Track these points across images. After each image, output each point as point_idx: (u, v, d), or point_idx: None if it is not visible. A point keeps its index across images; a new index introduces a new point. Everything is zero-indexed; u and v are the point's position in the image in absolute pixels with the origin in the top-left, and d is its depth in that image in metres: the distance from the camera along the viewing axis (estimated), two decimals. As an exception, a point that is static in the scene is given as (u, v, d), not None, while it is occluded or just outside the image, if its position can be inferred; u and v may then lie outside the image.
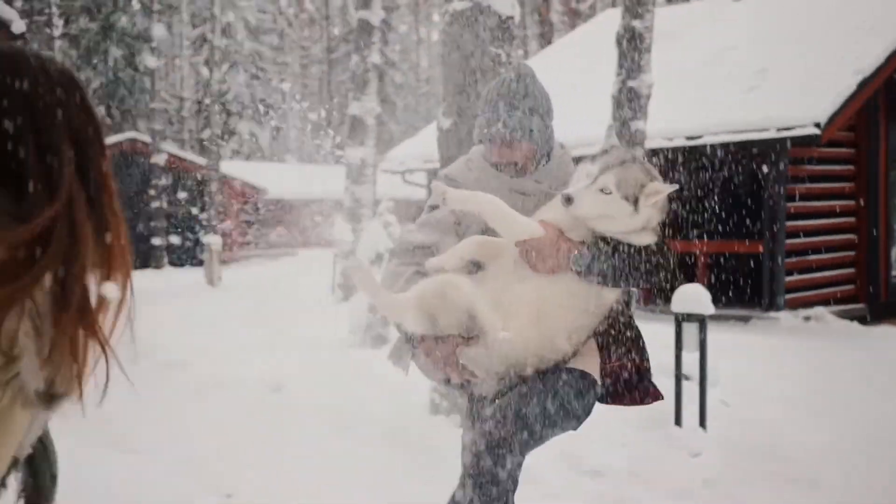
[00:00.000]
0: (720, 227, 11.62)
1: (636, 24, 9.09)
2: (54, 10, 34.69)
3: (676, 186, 2.34)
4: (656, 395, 2.59)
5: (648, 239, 2.39)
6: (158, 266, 24.30)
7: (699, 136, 11.22)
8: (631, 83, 9.19)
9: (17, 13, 11.06)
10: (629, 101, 9.20)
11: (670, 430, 5.13)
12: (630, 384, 2.53)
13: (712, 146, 11.27)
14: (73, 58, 37.66)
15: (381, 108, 12.41)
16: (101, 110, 36.61)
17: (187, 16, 27.77)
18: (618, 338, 2.49)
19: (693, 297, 5.20)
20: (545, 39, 29.44)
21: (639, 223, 2.34)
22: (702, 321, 5.18)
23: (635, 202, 2.30)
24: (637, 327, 2.59)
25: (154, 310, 12.46)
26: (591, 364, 2.47)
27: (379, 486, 4.92)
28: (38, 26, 36.87)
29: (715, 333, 9.10)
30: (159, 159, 23.97)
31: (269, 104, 42.99)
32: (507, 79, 2.58)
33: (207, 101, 22.84)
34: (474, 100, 5.60)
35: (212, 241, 18.29)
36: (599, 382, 2.48)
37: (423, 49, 50.07)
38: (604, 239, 2.35)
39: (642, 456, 4.88)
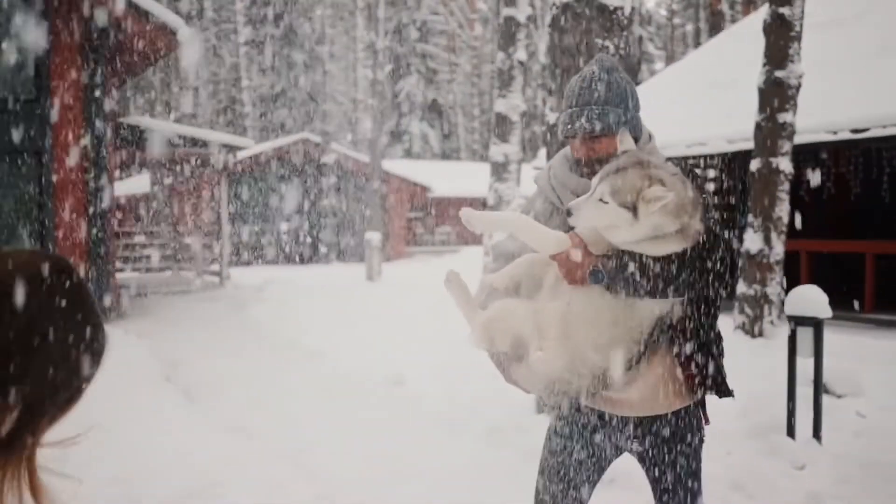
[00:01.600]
0: (890, 226, 10.77)
1: (784, 10, 8.59)
2: (240, 18, 36.75)
3: (671, 195, 2.11)
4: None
5: (670, 247, 2.20)
6: (327, 261, 25.34)
7: (865, 130, 10.43)
8: (778, 74, 8.69)
9: (183, 21, 11.79)
10: (776, 93, 8.71)
11: (779, 441, 4.82)
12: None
13: (883, 139, 10.46)
14: (260, 63, 39.99)
15: (525, 105, 12.34)
16: (283, 113, 38.63)
17: (362, 20, 28.64)
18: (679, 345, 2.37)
19: (808, 299, 4.85)
20: (716, 31, 28.30)
21: (642, 231, 2.18)
22: (817, 325, 4.83)
23: (634, 210, 2.16)
24: (704, 333, 2.41)
25: (310, 303, 13.03)
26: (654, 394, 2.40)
27: (478, 484, 4.91)
28: (224, 33, 39.33)
29: (869, 339, 8.54)
30: (329, 159, 24.96)
31: (440, 105, 43.84)
32: (586, 73, 2.46)
33: (372, 101, 23.46)
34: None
35: (372, 237, 18.85)
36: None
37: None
38: (623, 251, 2.24)
39: (743, 465, 4.61)
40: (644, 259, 2.19)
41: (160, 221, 21.47)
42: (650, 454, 2.47)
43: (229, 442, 5.37)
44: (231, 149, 16.00)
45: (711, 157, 13.44)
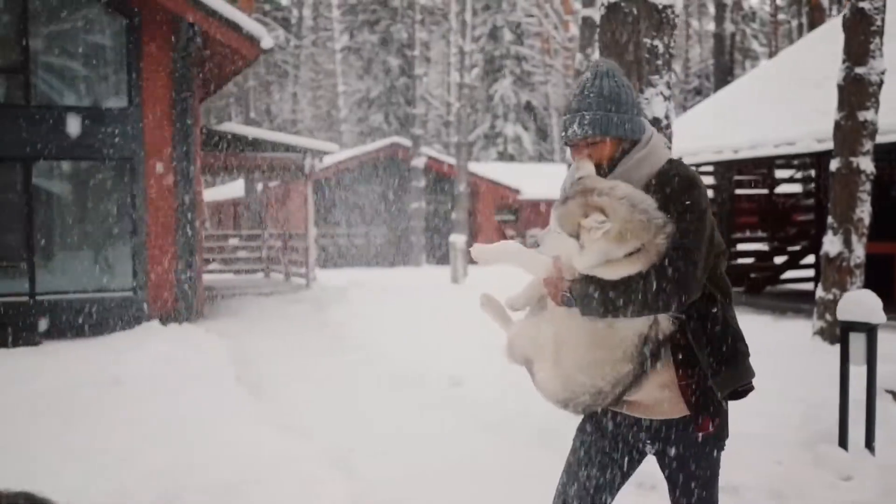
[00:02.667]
0: None
1: (864, 4, 8.26)
2: (336, 24, 37.48)
3: (603, 219, 2.17)
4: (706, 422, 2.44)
5: (625, 270, 2.22)
6: (417, 263, 25.59)
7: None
8: (858, 70, 8.36)
9: (265, 30, 12.12)
10: (856, 90, 8.37)
11: (829, 451, 4.64)
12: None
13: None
14: (356, 69, 40.72)
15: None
16: (379, 118, 39.21)
17: (457, 24, 28.80)
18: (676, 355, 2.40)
19: (861, 304, 4.65)
20: (817, 27, 27.26)
21: (590, 259, 2.22)
22: (870, 331, 4.63)
23: (579, 238, 2.22)
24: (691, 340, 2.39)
25: (390, 305, 13.18)
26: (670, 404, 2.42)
27: (524, 484, 4.91)
28: (322, 41, 40.18)
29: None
30: (419, 162, 25.21)
31: (534, 106, 43.66)
32: (581, 80, 2.51)
33: (457, 104, 23.57)
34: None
35: (456, 240, 18.94)
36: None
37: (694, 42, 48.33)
38: (585, 275, 2.29)
39: (788, 475, 4.46)
40: (603, 282, 2.24)
41: (253, 225, 22.10)
42: (665, 458, 2.49)
43: (279, 439, 5.51)
44: (317, 153, 16.35)
45: (800, 156, 13.01)
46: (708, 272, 2.33)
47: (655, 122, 5.42)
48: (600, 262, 2.22)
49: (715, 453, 2.47)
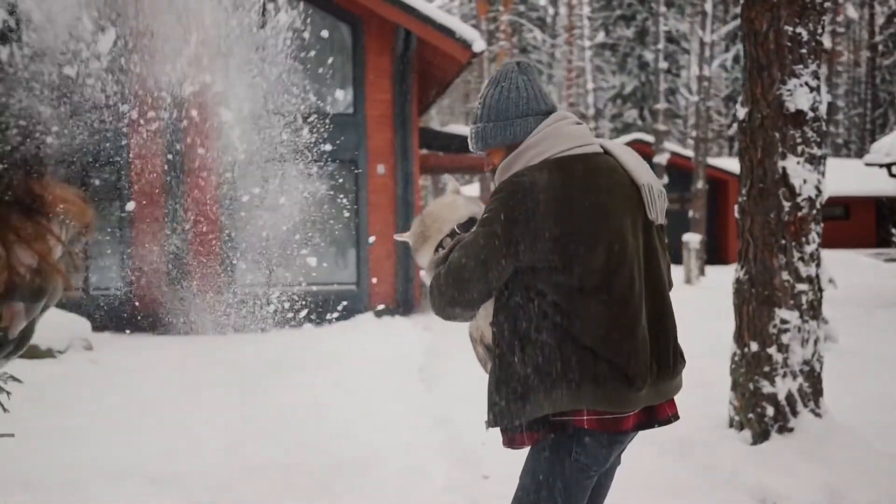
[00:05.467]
0: None
1: None
2: (586, 21, 37.35)
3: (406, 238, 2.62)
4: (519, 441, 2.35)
5: (427, 277, 2.47)
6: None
7: None
8: None
9: (479, 34, 12.45)
10: None
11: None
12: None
13: None
14: (611, 64, 40.40)
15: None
16: (633, 113, 38.63)
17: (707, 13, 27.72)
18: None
19: None
20: None
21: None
22: None
23: None
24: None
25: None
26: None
27: (651, 496, 4.80)
28: (574, 38, 40.23)
29: None
30: (661, 159, 24.51)
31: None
32: (486, 84, 2.50)
33: (695, 97, 22.67)
34: (768, 85, 5.07)
35: (690, 239, 18.29)
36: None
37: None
38: None
39: None
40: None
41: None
42: None
43: (427, 432, 5.75)
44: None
45: None
46: (485, 285, 2.26)
47: (799, 114, 5.02)
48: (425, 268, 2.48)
49: (541, 458, 2.33)
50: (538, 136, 2.33)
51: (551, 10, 43.00)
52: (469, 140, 2.48)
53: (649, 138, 25.66)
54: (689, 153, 26.46)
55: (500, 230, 2.20)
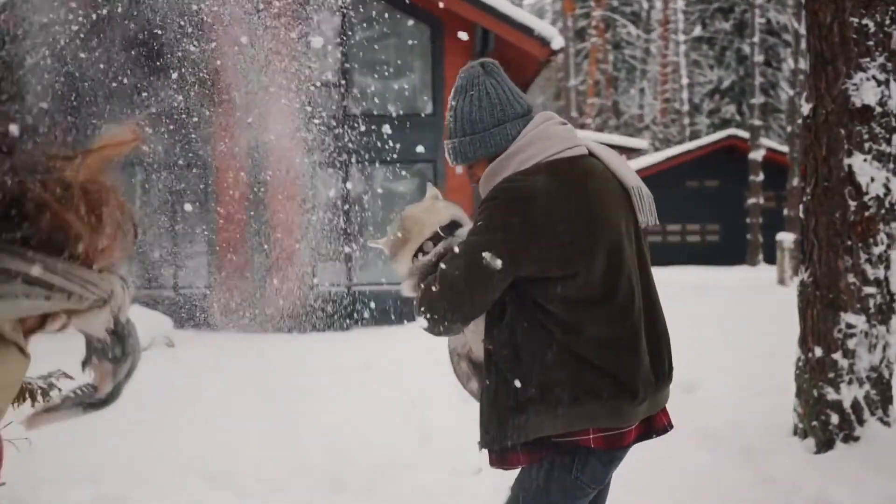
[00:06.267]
0: None
1: None
2: (680, 16, 36.56)
3: (380, 245, 2.46)
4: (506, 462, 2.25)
5: (407, 287, 2.38)
6: (753, 263, 24.24)
7: None
8: None
9: (557, 31, 12.37)
10: None
11: None
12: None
13: None
14: (709, 57, 39.46)
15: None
16: (731, 109, 37.65)
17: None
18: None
19: None
20: None
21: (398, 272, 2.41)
22: None
23: None
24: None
25: (694, 307, 12.67)
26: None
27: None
28: (669, 33, 39.40)
29: None
30: (757, 155, 23.83)
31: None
32: (453, 93, 2.36)
33: (790, 91, 21.90)
34: (833, 80, 4.86)
35: (784, 238, 17.71)
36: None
37: None
38: None
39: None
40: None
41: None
42: None
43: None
44: (626, 151, 16.24)
45: None
46: (483, 298, 2.13)
47: (866, 109, 4.80)
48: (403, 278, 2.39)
49: (531, 481, 2.23)
50: (525, 139, 2.22)
51: (645, 5, 42.22)
52: (447, 156, 2.35)
53: (744, 134, 24.93)
54: (787, 149, 25.63)
55: (499, 238, 2.08)
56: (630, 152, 16.55)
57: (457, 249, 2.16)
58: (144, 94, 11.46)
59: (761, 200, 24.17)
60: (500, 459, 2.24)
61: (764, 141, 24.75)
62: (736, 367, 7.61)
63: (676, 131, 38.79)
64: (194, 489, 4.61)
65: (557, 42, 12.30)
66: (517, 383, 2.12)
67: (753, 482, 4.89)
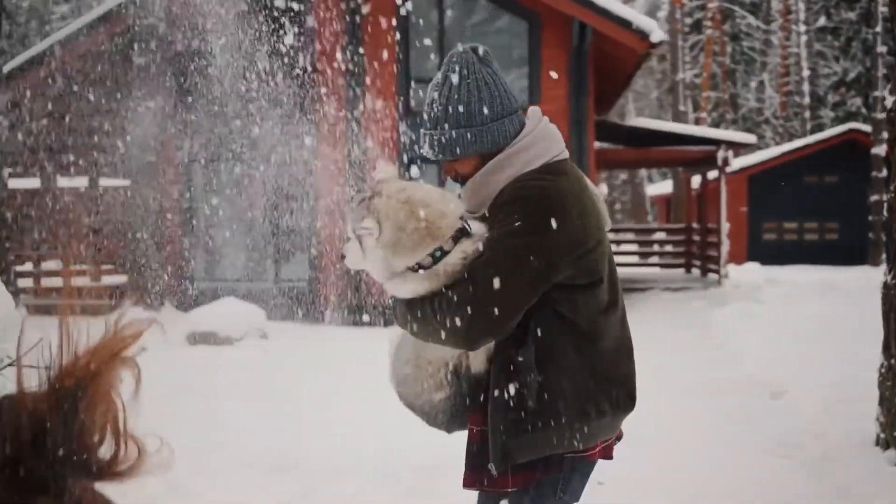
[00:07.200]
0: None
1: None
2: (801, 5, 35.15)
3: (372, 225, 1.94)
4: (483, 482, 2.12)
5: (411, 287, 1.99)
6: (875, 262, 23.05)
7: None
8: None
9: (656, 24, 12.10)
10: None
11: None
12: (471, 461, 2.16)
13: None
14: (834, 48, 37.73)
15: None
16: (857, 101, 35.90)
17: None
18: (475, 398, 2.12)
19: None
20: None
21: (372, 269, 2.02)
22: None
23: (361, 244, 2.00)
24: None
25: (801, 308, 12.21)
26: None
27: None
28: (790, 23, 37.84)
29: None
30: (880, 150, 22.62)
31: None
32: (430, 86, 2.16)
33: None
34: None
35: None
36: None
37: None
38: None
39: None
40: (399, 299, 2.05)
41: (679, 219, 21.88)
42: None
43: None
44: (732, 145, 15.70)
45: None
46: (524, 307, 1.96)
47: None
48: (385, 274, 2.00)
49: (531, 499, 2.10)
50: (529, 137, 2.10)
51: (766, -5, 40.74)
52: (429, 148, 2.13)
53: (866, 128, 23.73)
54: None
55: (540, 242, 1.93)
56: (738, 147, 15.97)
57: (479, 250, 1.98)
58: (252, 90, 11.83)
59: (885, 197, 22.91)
60: (489, 480, 2.11)
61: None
62: (829, 372, 7.27)
63: (798, 125, 37.26)
64: (255, 481, 4.73)
65: (657, 35, 11.99)
66: (534, 399, 1.98)
67: (825, 493, 4.68)
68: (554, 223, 1.92)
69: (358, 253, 2.00)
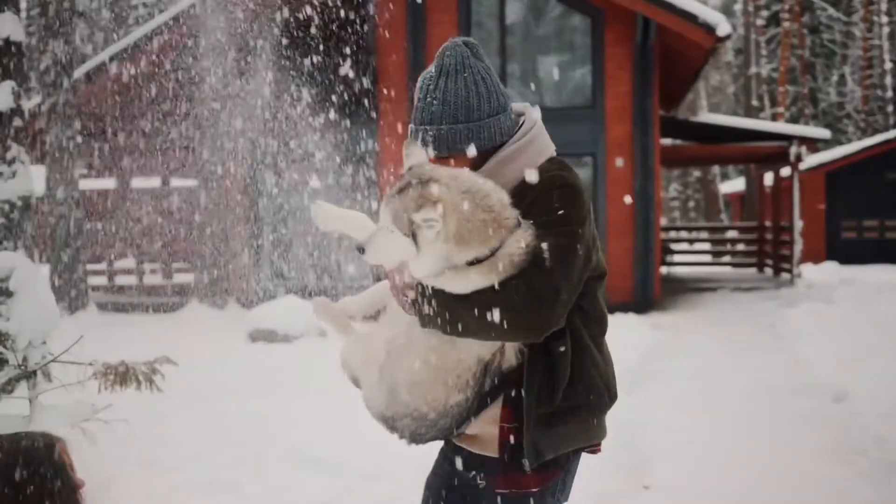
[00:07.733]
0: None
1: None
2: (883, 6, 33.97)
3: (436, 216, 1.78)
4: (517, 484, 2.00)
5: (473, 282, 1.87)
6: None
7: None
8: None
9: (723, 17, 11.84)
10: None
11: None
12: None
13: None
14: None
15: None
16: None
17: None
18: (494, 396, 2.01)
19: None
20: None
21: (428, 264, 1.87)
22: None
23: (414, 237, 1.84)
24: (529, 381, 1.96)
25: (872, 309, 11.80)
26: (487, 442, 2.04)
27: None
28: (871, 14, 36.53)
29: None
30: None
31: None
32: (424, 79, 2.09)
33: None
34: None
35: None
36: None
37: None
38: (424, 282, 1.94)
39: None
40: (443, 293, 1.90)
41: (752, 217, 21.37)
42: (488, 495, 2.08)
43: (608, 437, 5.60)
44: (805, 141, 15.24)
45: None
46: (575, 298, 1.92)
47: None
48: (440, 270, 1.86)
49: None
50: (531, 133, 2.07)
51: (848, -14, 39.45)
52: (424, 142, 2.05)
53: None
54: None
55: (583, 233, 1.93)
56: (812, 143, 15.51)
57: (534, 238, 1.90)
58: (321, 96, 11.97)
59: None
60: (514, 480, 2.01)
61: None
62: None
63: (881, 119, 36.01)
64: (297, 475, 4.76)
65: (724, 28, 11.72)
66: (572, 389, 1.97)
67: (887, 500, 4.49)
68: (586, 214, 1.97)
69: (397, 245, 1.87)
